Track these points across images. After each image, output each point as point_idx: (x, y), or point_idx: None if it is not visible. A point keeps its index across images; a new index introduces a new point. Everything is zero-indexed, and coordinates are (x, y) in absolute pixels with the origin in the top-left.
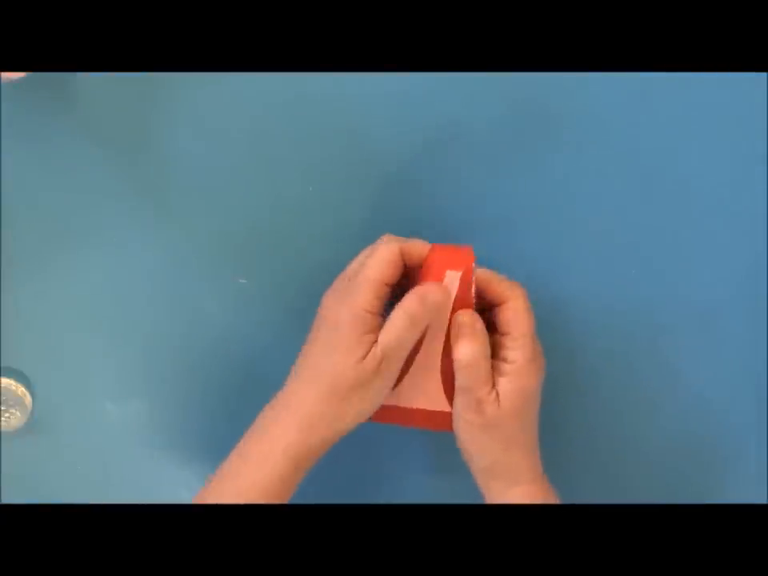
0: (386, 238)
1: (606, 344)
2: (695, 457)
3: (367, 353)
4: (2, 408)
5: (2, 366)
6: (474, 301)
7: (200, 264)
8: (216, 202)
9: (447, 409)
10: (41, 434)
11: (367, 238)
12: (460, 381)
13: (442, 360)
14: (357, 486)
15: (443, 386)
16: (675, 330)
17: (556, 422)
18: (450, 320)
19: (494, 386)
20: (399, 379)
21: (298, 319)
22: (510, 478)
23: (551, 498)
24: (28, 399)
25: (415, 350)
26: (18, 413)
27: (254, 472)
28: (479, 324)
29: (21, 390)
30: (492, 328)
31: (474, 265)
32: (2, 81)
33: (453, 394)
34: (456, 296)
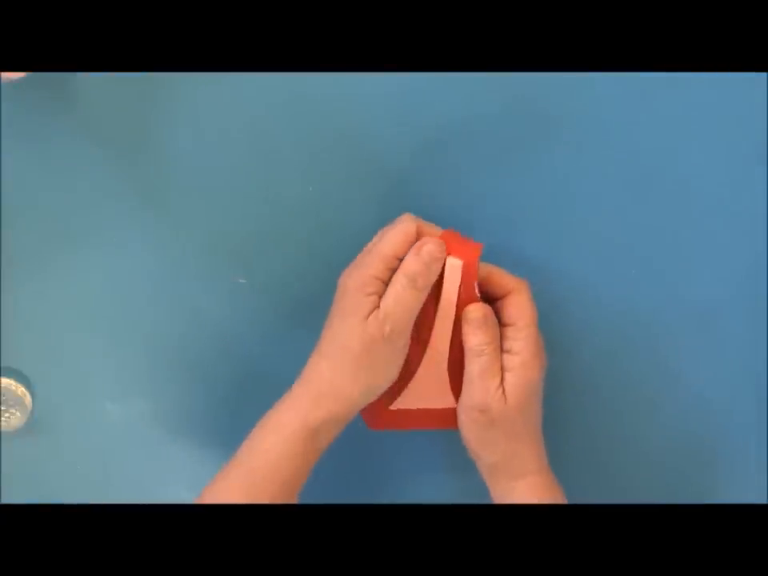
0: (405, 217)
1: (605, 344)
2: (695, 457)
3: (371, 312)
4: (2, 408)
5: (2, 365)
6: (478, 296)
7: (200, 264)
8: (216, 202)
9: (454, 405)
10: (41, 434)
11: (367, 237)
12: (471, 370)
13: (449, 353)
14: (363, 485)
15: (450, 382)
16: (675, 329)
17: (556, 422)
18: (457, 314)
19: (502, 379)
20: (405, 382)
21: (298, 318)
22: (516, 472)
23: (556, 491)
24: (28, 399)
25: (421, 350)
26: (18, 413)
27: (269, 435)
28: (491, 314)
29: (21, 389)
30: None
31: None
32: (2, 81)
33: (459, 390)
34: (460, 290)
